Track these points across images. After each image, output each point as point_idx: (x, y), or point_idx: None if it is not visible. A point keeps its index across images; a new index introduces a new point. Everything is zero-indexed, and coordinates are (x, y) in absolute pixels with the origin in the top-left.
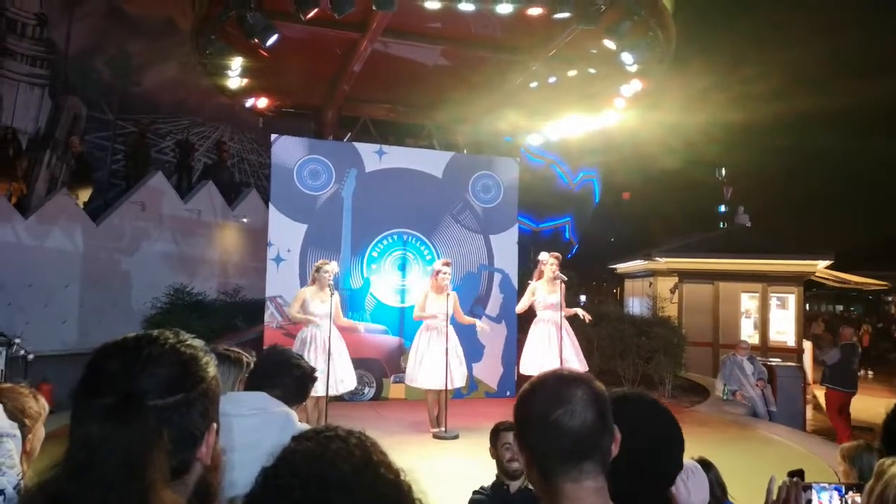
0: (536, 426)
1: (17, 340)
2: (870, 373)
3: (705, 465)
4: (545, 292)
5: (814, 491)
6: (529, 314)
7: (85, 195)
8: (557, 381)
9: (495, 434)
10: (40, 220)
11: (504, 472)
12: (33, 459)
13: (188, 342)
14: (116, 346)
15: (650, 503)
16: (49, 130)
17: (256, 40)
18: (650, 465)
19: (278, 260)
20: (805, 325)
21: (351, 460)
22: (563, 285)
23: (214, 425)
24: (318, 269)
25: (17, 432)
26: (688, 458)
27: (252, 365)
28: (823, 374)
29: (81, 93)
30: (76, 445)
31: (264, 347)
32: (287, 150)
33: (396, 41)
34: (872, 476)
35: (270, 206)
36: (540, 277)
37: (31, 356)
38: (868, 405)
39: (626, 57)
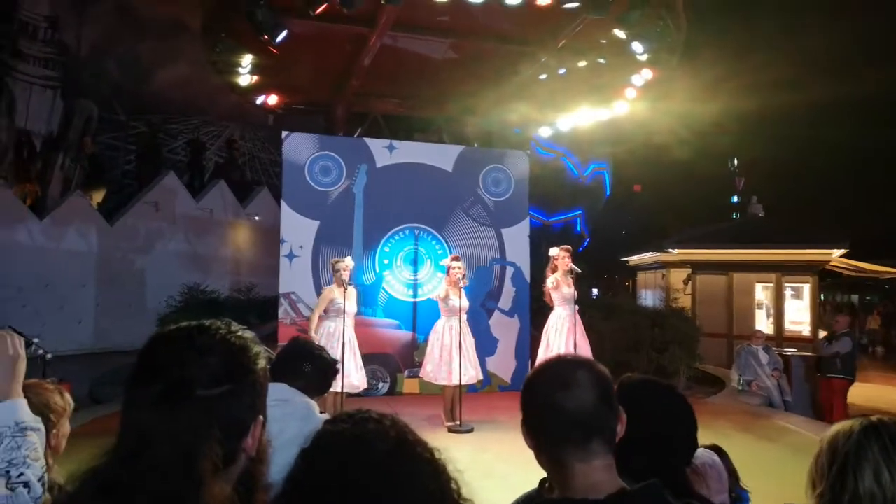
0: (543, 410)
1: (36, 340)
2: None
3: (717, 452)
4: (564, 286)
5: None
6: (543, 308)
7: (99, 196)
8: (559, 366)
9: None
10: (55, 221)
11: None
12: (59, 455)
13: (239, 333)
14: (168, 334)
15: (668, 483)
16: (62, 132)
17: (266, 37)
18: (664, 447)
19: (291, 256)
20: (856, 318)
21: (388, 440)
22: (574, 277)
23: (261, 417)
24: (333, 267)
25: (41, 426)
26: (701, 447)
27: (272, 358)
28: (833, 364)
29: (93, 94)
30: (127, 432)
31: (279, 344)
32: (298, 146)
33: (405, 35)
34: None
35: (282, 202)
36: (554, 272)
37: (49, 356)
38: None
39: (637, 46)
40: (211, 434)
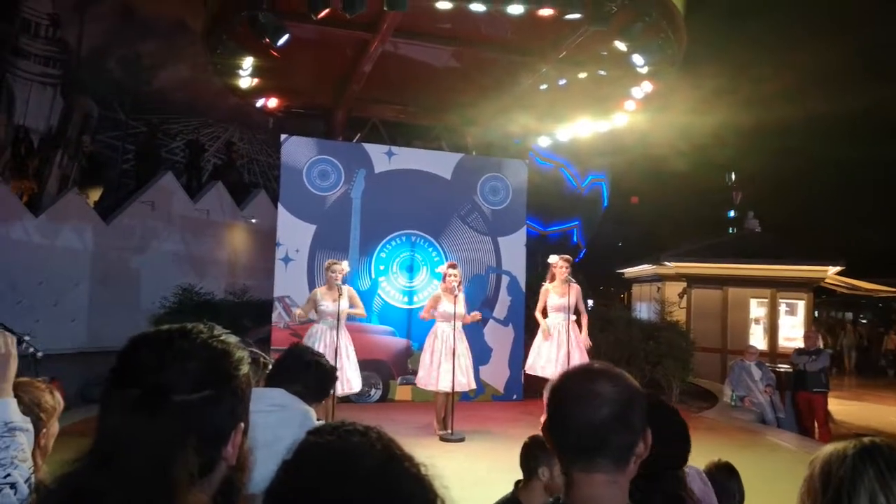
0: (557, 418)
1: (27, 338)
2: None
3: (729, 471)
4: (556, 295)
5: None
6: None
7: (96, 194)
8: (581, 375)
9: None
10: (51, 218)
11: None
12: (47, 455)
13: (221, 337)
14: (148, 337)
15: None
16: (61, 130)
17: (268, 40)
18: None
19: (286, 260)
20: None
21: (373, 454)
22: (572, 288)
23: (242, 425)
24: (327, 269)
25: (30, 426)
26: (705, 463)
27: (269, 366)
28: (819, 379)
29: (93, 93)
30: (102, 437)
31: (272, 347)
32: (297, 150)
33: (407, 42)
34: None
35: (279, 206)
36: (552, 280)
37: (40, 354)
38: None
39: (637, 58)
40: (187, 441)
